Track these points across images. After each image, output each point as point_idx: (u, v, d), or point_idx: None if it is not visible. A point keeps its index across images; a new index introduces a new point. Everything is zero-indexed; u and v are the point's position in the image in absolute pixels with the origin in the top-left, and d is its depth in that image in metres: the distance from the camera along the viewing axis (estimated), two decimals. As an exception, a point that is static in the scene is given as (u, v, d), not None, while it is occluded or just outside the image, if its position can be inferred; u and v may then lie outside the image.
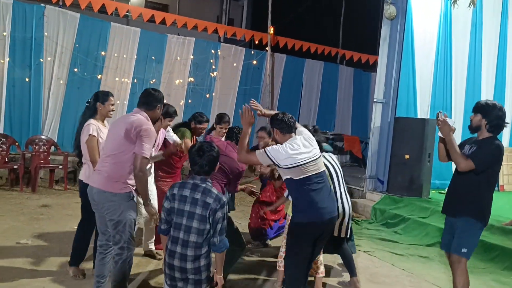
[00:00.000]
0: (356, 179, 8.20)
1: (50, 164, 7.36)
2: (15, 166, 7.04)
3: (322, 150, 3.61)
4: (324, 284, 4.02)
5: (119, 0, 11.20)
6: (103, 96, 3.72)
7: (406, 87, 7.35)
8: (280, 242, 4.17)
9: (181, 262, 2.59)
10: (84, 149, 3.61)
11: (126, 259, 3.18)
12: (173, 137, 4.39)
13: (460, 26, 7.84)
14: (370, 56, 12.25)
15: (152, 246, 4.48)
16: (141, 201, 3.33)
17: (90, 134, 3.53)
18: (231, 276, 3.95)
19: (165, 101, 3.53)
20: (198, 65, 9.62)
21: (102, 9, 9.06)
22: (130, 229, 3.18)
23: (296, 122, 3.22)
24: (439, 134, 3.42)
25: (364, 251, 5.19)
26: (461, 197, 3.35)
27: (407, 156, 6.92)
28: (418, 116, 7.36)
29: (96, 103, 3.68)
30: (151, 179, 4.19)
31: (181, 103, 9.38)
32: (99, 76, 8.53)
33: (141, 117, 3.18)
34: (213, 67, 9.83)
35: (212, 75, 9.84)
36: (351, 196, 7.29)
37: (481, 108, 3.32)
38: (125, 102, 8.82)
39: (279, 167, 3.05)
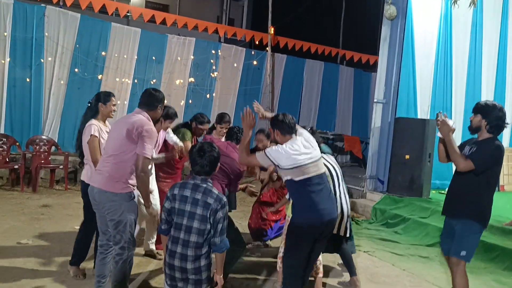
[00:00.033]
0: (357, 179, 8.21)
1: (51, 164, 7.37)
2: (16, 166, 7.05)
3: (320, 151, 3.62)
4: (324, 284, 4.03)
5: (120, 1, 11.21)
6: (104, 97, 3.73)
7: (406, 87, 7.36)
8: (280, 242, 4.17)
9: (182, 262, 2.60)
10: (85, 149, 3.61)
11: (127, 259, 3.19)
12: (173, 138, 4.39)
13: (460, 26, 7.84)
14: (370, 56, 12.25)
15: (153, 246, 4.49)
16: (142, 201, 3.33)
17: (91, 135, 3.54)
18: (231, 276, 3.95)
19: (165, 102, 3.54)
20: (199, 65, 9.63)
21: (103, 10, 9.07)
22: (131, 229, 3.19)
23: (296, 124, 3.23)
24: (438, 134, 3.41)
25: (364, 251, 5.19)
26: (461, 197, 3.34)
27: (407, 156, 6.93)
28: (418, 117, 7.37)
29: (98, 103, 3.69)
30: (152, 179, 4.20)
31: (181, 103, 9.39)
32: (99, 77, 8.54)
33: (143, 118, 3.19)
34: (214, 67, 9.84)
35: (213, 75, 9.85)
36: (351, 196, 7.34)
37: (481, 109, 3.30)
38: (125, 102, 8.83)
39: (279, 168, 3.06)
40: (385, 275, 4.54)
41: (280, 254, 3.78)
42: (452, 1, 7.03)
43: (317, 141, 3.30)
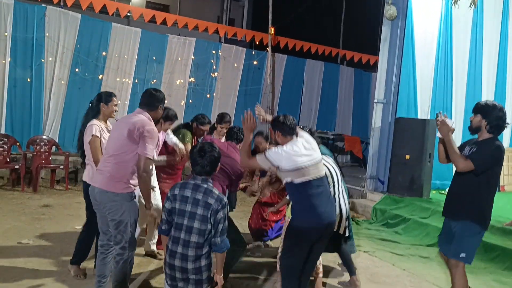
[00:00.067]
0: (357, 179, 8.22)
1: (51, 164, 7.37)
2: (17, 166, 7.05)
3: None
4: (324, 284, 4.04)
5: (120, 1, 11.21)
6: (106, 97, 3.73)
7: (406, 87, 7.36)
8: (280, 242, 4.17)
9: (182, 262, 2.60)
10: (87, 150, 3.61)
11: (127, 259, 3.20)
12: (173, 139, 4.40)
13: (460, 26, 7.84)
14: (370, 56, 12.25)
15: (154, 247, 4.49)
16: (143, 201, 3.33)
17: (93, 135, 3.54)
18: (232, 276, 3.96)
19: (166, 102, 3.54)
20: (199, 66, 9.63)
21: (103, 10, 9.07)
22: (132, 229, 3.19)
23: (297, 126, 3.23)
24: (438, 134, 3.39)
25: (364, 251, 5.19)
26: (460, 198, 3.32)
27: (407, 157, 6.94)
28: (419, 117, 7.37)
29: (100, 103, 3.69)
30: (153, 180, 4.20)
31: (182, 104, 9.40)
32: (100, 77, 8.54)
33: (144, 118, 3.19)
34: (214, 67, 9.84)
35: (213, 75, 9.86)
36: (351, 197, 7.34)
37: (481, 109, 3.28)
38: (126, 102, 8.83)
39: (279, 169, 3.05)
40: (385, 275, 4.54)
41: (280, 255, 3.78)
42: (453, 2, 7.04)
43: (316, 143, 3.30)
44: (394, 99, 7.50)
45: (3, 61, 7.68)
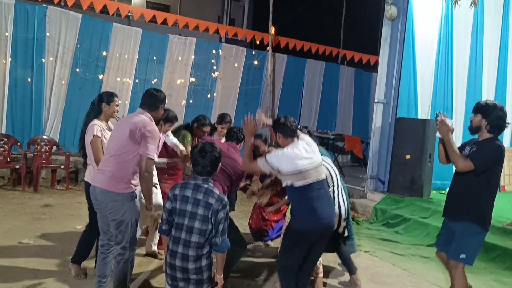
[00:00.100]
0: (357, 179, 8.23)
1: (52, 164, 7.38)
2: (17, 166, 7.06)
3: None
4: (324, 284, 4.04)
5: (121, 1, 11.21)
6: (107, 97, 3.73)
7: (407, 87, 7.36)
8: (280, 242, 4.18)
9: (183, 262, 2.61)
10: (88, 149, 3.62)
11: (128, 259, 3.20)
12: (173, 140, 4.41)
13: (461, 26, 7.84)
14: (371, 56, 12.24)
15: (155, 248, 4.50)
16: (143, 201, 3.34)
17: (94, 135, 3.54)
18: (232, 276, 3.96)
19: (166, 102, 3.55)
20: (200, 65, 9.63)
21: (104, 10, 9.07)
22: (133, 229, 3.19)
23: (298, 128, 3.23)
24: (437, 134, 3.38)
25: (365, 251, 5.19)
26: (460, 198, 3.31)
27: (408, 157, 6.94)
28: (419, 117, 7.37)
29: (101, 103, 3.70)
30: (155, 179, 4.20)
31: (182, 103, 9.40)
32: (100, 77, 8.54)
33: (145, 118, 3.20)
34: (215, 67, 9.84)
35: (214, 75, 9.85)
36: (352, 197, 7.34)
37: (481, 109, 3.27)
38: (126, 102, 8.83)
39: (280, 173, 3.05)
40: (386, 275, 4.54)
41: (278, 255, 3.79)
42: (453, 2, 7.04)
43: None
44: (394, 99, 7.49)
45: (4, 61, 7.68)
